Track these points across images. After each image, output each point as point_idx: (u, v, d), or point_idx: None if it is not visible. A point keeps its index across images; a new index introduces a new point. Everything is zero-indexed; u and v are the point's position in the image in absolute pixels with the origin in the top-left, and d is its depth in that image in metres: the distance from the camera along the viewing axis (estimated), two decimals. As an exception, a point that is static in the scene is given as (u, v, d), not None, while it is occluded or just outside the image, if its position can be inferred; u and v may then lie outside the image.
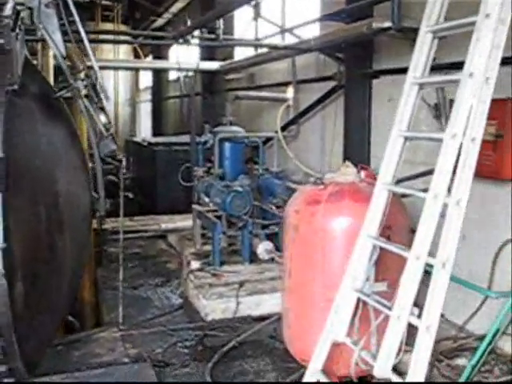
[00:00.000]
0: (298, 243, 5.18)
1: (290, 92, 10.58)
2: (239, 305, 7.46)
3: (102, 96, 5.37)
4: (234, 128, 10.25)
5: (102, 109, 5.31)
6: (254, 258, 8.66)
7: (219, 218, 8.84)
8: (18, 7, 4.44)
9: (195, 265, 8.51)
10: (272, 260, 8.57)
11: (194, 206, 9.65)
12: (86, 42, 5.48)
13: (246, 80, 12.83)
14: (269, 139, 10.71)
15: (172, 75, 21.55)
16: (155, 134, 22.87)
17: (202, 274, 8.25)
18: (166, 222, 11.72)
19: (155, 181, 13.35)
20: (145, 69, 18.74)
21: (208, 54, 14.41)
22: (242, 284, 7.86)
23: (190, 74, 16.70)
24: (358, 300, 4.33)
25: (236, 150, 10.01)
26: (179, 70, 13.17)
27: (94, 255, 9.09)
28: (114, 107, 20.72)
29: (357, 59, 8.18)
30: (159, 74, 23.36)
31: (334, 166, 8.72)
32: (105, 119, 5.33)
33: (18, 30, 4.28)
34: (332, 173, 5.41)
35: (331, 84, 9.13)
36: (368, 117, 8.08)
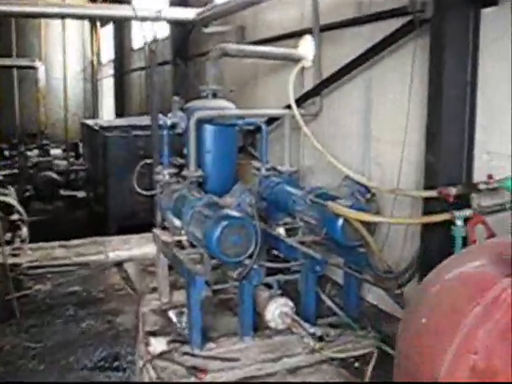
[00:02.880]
0: None
1: (305, 45, 6.76)
2: None
3: None
4: (221, 102, 6.35)
5: None
6: (257, 324, 5.19)
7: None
8: None
9: (158, 346, 4.81)
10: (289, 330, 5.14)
11: (157, 232, 5.83)
12: None
13: (234, 35, 8.99)
14: (273, 119, 7.03)
15: (137, 43, 17.73)
16: (118, 115, 19.11)
17: (172, 368, 4.59)
18: (117, 249, 7.71)
19: (107, 180, 9.47)
20: (90, 17, 13.89)
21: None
22: (243, 390, 4.33)
23: (159, 38, 13.01)
24: None
25: (225, 137, 6.14)
26: (137, 19, 9.11)
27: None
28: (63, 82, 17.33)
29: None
30: (122, 43, 19.48)
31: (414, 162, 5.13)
32: None
33: None
34: None
35: (385, 27, 5.39)
36: (472, 74, 4.41)
